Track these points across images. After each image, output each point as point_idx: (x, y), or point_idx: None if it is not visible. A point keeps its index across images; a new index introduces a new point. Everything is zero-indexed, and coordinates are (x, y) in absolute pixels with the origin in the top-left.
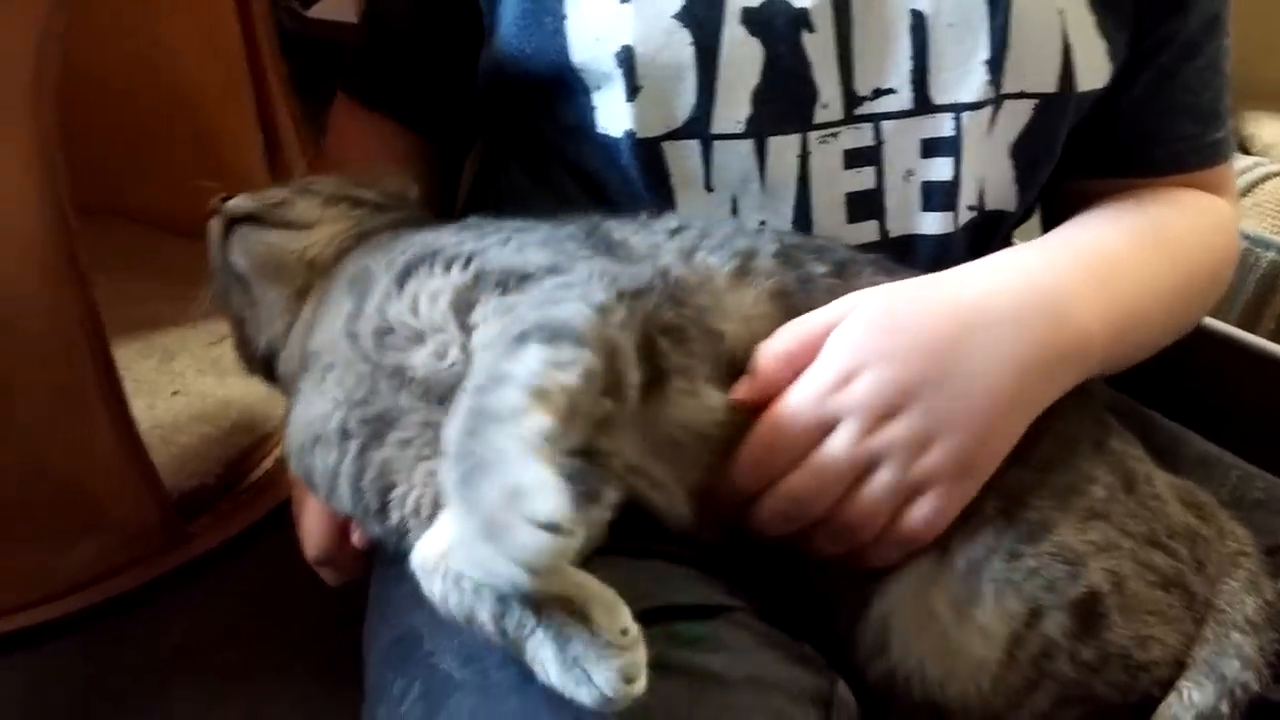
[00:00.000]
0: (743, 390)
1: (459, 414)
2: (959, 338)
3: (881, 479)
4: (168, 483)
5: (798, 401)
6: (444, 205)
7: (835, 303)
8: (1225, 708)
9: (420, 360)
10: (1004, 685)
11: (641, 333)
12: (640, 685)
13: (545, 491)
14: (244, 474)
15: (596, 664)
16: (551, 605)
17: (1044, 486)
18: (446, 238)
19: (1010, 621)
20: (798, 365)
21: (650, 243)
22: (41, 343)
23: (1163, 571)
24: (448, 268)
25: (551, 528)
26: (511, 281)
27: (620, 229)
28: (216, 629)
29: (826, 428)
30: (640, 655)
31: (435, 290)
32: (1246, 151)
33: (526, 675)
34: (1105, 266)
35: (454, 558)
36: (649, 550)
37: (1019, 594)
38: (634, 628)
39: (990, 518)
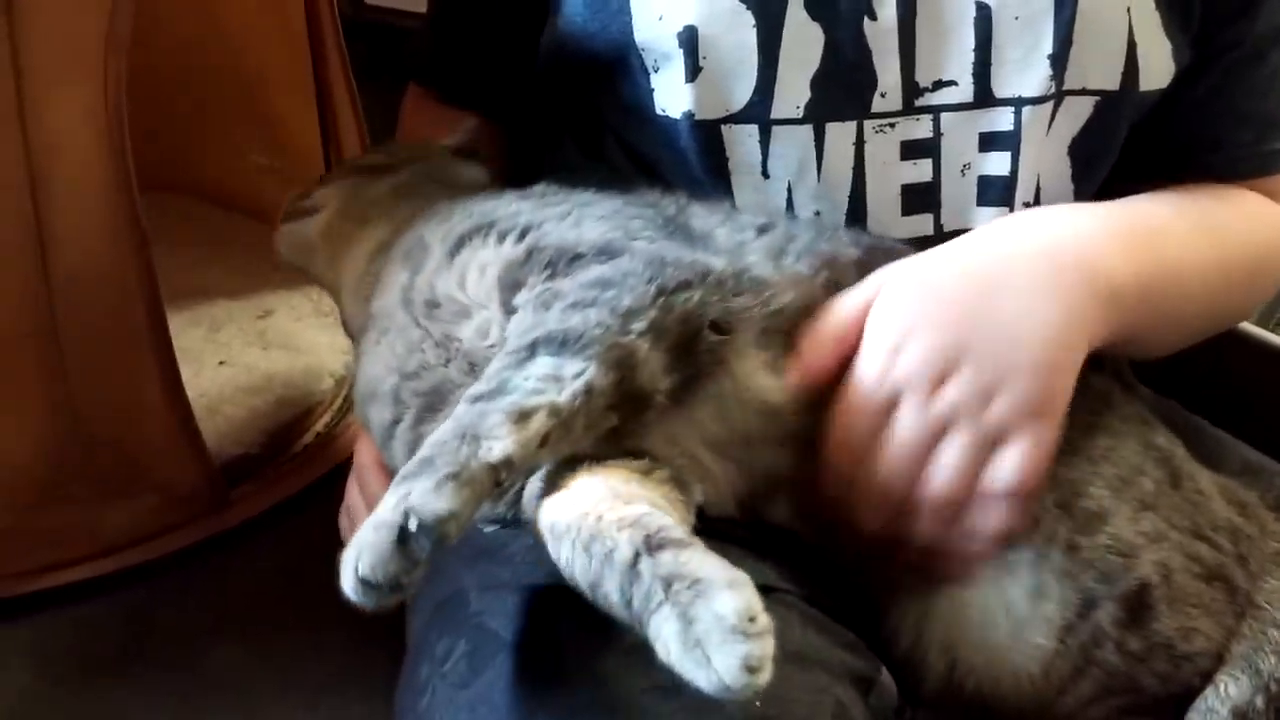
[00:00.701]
0: (795, 375)
1: (452, 417)
2: (991, 291)
3: (957, 440)
4: (212, 450)
5: (859, 389)
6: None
7: (864, 282)
8: (1260, 702)
9: (467, 334)
10: (1054, 672)
11: (681, 330)
12: (764, 677)
13: (434, 501)
14: (287, 445)
15: (719, 648)
16: (682, 583)
17: (1099, 478)
18: (505, 208)
19: (1065, 611)
20: (843, 344)
21: (738, 239)
22: (99, 298)
23: (1207, 564)
24: (501, 239)
25: (364, 584)
26: (562, 263)
27: (705, 218)
28: (255, 593)
29: (891, 406)
30: (767, 646)
31: (484, 263)
32: None
33: (573, 637)
34: (1138, 227)
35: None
36: (700, 529)
37: (1075, 584)
38: (764, 617)
39: (1049, 509)
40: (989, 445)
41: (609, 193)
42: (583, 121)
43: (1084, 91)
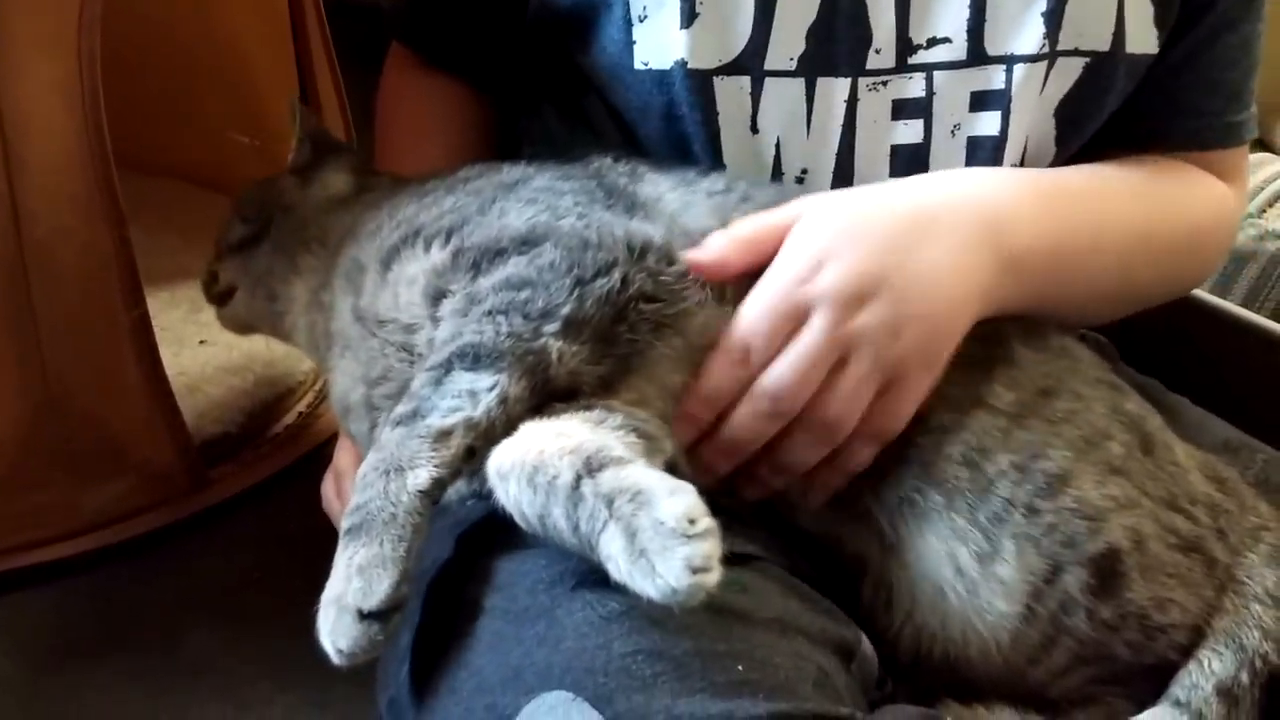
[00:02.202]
0: (696, 254)
1: (376, 445)
2: (912, 233)
3: (857, 367)
4: (191, 429)
5: (770, 292)
6: (504, 155)
7: (787, 205)
8: (1245, 677)
9: (420, 342)
10: (1023, 642)
11: (604, 313)
12: (712, 578)
13: (378, 583)
14: (267, 425)
15: (661, 554)
16: (623, 498)
17: (1059, 438)
18: (430, 210)
19: (1030, 577)
20: (755, 252)
21: (686, 200)
22: (74, 277)
23: (1184, 535)
24: (428, 246)
25: (374, 615)
26: (484, 261)
27: (656, 183)
28: (236, 572)
29: (800, 317)
30: (710, 546)
31: (413, 276)
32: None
33: (554, 603)
34: (1058, 192)
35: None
36: None
37: (1038, 549)
38: (706, 519)
39: (1005, 471)
40: (883, 379)
41: (549, 164)
42: (563, 84)
43: (1076, 52)
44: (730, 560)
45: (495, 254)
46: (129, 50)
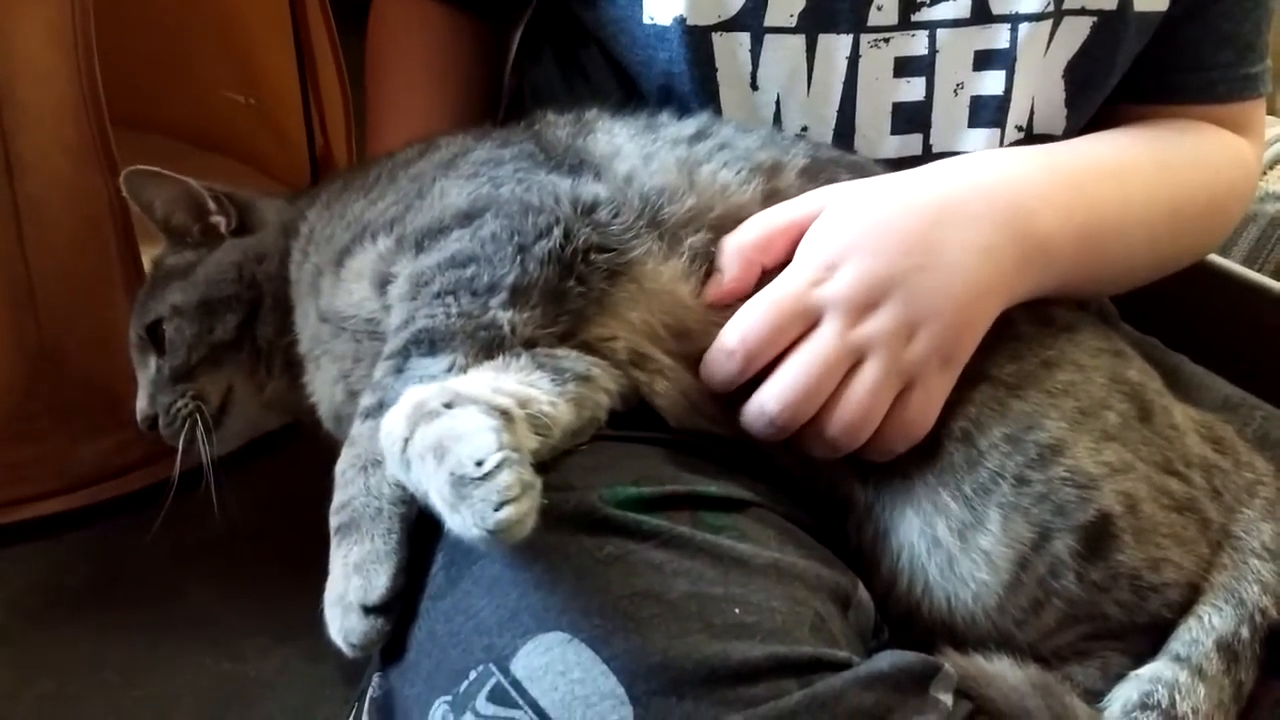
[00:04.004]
0: (713, 290)
1: (349, 440)
2: (931, 230)
3: (871, 372)
4: None
5: (779, 293)
6: (493, 86)
7: (802, 197)
8: (1245, 632)
9: (387, 328)
10: (1010, 607)
11: (550, 271)
12: (513, 511)
13: (376, 578)
14: None
15: (460, 504)
16: (428, 457)
17: (1056, 410)
18: (376, 206)
19: (1016, 546)
20: (766, 256)
21: (647, 152)
22: (68, 227)
23: (1177, 496)
24: (374, 239)
25: (377, 610)
26: (426, 241)
27: (612, 137)
28: (228, 530)
29: (809, 320)
30: (506, 477)
31: (359, 269)
32: None
33: (550, 546)
34: (1082, 174)
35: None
36: (680, 442)
37: (1027, 518)
38: (495, 454)
39: (996, 444)
40: (899, 383)
41: (490, 134)
42: (563, 32)
43: (1082, 11)
44: (729, 505)
45: (438, 232)
46: (123, 5)
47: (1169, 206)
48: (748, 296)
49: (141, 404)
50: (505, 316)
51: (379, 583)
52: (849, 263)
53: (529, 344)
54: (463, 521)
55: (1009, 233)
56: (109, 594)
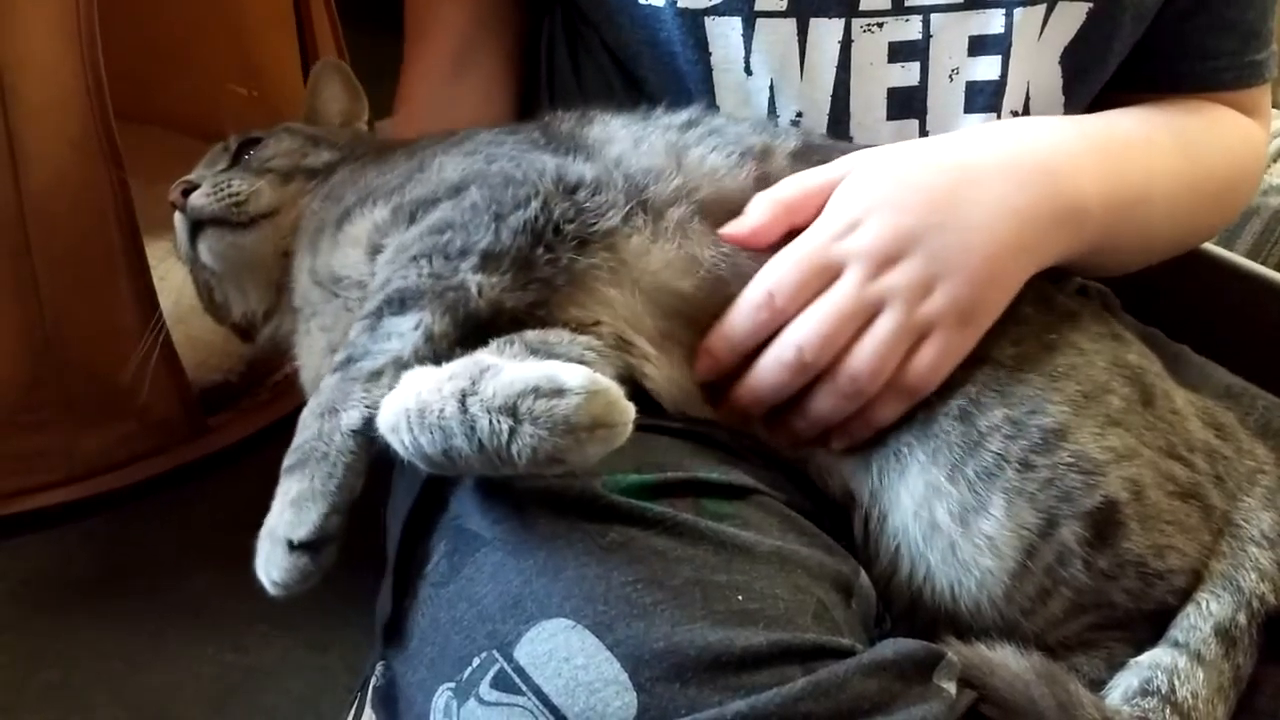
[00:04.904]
0: (732, 227)
1: (319, 388)
2: (957, 189)
3: (885, 323)
4: (191, 377)
5: (804, 247)
6: (528, 67)
7: (835, 161)
8: (1243, 618)
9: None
10: (1017, 595)
11: (523, 241)
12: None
13: (306, 514)
14: (266, 374)
15: (552, 399)
16: (525, 400)
17: (1058, 393)
18: (384, 176)
19: (1022, 532)
20: (795, 215)
21: (637, 136)
22: (73, 217)
23: (1182, 482)
24: (374, 205)
25: (305, 546)
26: (419, 211)
27: (608, 124)
28: (231, 521)
29: (832, 274)
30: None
31: (356, 235)
32: None
33: (553, 533)
34: (1110, 142)
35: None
36: (682, 429)
37: (1033, 504)
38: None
39: (998, 425)
40: (912, 336)
41: (501, 124)
42: (569, 22)
43: None
44: (731, 493)
45: (430, 204)
46: (127, 9)
47: (1188, 180)
48: (764, 245)
49: (191, 176)
50: (474, 280)
51: (308, 518)
52: (872, 218)
53: (515, 323)
54: (579, 441)
55: (1039, 192)
56: (113, 584)
